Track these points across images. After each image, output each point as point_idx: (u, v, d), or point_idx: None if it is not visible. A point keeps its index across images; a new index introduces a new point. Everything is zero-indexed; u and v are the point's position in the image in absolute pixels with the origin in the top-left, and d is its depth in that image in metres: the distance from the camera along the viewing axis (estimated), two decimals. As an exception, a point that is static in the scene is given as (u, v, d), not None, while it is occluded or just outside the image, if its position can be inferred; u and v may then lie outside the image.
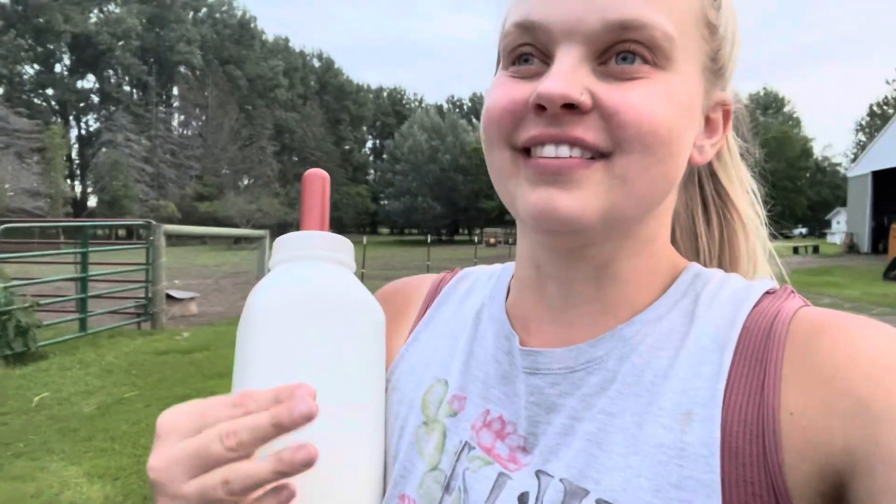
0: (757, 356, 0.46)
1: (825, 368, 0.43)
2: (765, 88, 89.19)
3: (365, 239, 11.84)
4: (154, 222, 9.29)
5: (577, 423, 0.49)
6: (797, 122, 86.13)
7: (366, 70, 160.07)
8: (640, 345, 0.50)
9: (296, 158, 66.67)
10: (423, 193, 59.13)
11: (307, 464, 0.41)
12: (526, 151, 0.47)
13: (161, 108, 61.24)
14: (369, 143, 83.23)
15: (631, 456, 0.46)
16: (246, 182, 59.04)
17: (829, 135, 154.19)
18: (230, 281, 14.61)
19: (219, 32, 66.82)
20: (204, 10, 67.39)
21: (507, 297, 0.60)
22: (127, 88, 63.78)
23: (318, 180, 0.55)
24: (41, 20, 53.69)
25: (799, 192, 67.14)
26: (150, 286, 8.94)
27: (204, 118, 59.70)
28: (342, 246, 0.53)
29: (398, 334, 0.65)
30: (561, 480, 0.48)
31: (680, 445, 0.44)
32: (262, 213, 48.43)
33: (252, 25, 69.59)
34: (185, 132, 61.47)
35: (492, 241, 37.40)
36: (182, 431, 0.43)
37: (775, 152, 67.97)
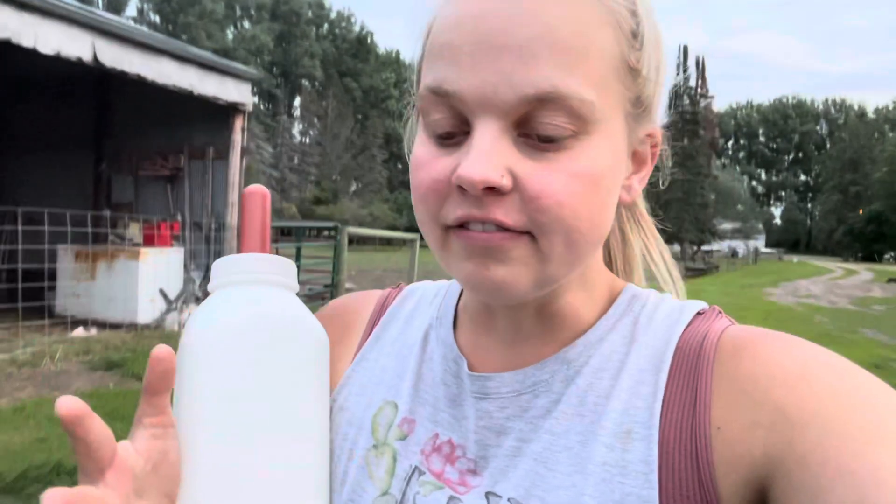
0: (689, 375, 0.47)
1: (746, 382, 0.44)
2: (894, 102, 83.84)
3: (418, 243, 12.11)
4: (340, 224, 11.57)
5: (525, 445, 0.49)
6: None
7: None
8: (584, 367, 0.51)
9: (401, 166, 70.13)
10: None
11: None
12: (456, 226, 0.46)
13: (285, 117, 66.80)
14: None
15: (575, 474, 0.46)
16: (354, 187, 63.06)
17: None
18: (386, 276, 16.78)
19: (338, 47, 70.61)
20: (326, 25, 72.72)
21: (454, 320, 0.59)
22: (257, 100, 70.39)
23: (257, 198, 0.52)
24: (185, 37, 59.96)
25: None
26: (335, 276, 11.23)
27: (322, 127, 64.26)
28: (283, 268, 0.50)
29: (344, 353, 0.63)
30: (509, 500, 0.48)
31: (622, 463, 0.45)
32: (373, 217, 51.62)
33: (368, 40, 74.08)
34: (304, 140, 66.50)
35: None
36: None
37: (902, 169, 64.10)
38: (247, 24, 66.04)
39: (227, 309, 0.47)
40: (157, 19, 59.33)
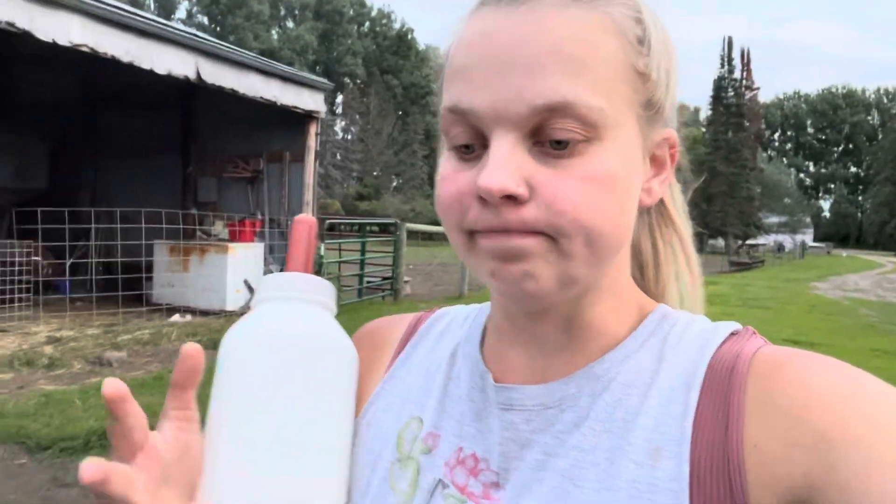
0: (721, 394, 0.46)
1: (785, 403, 0.44)
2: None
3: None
4: (399, 221, 12.40)
5: (550, 459, 0.49)
6: None
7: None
8: (611, 382, 0.51)
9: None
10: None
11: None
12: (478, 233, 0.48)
13: (328, 115, 67.90)
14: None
15: (603, 491, 0.46)
16: (395, 183, 64.20)
17: None
18: (435, 270, 17.63)
19: (379, 44, 71.88)
20: (367, 23, 73.96)
21: (482, 339, 0.60)
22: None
23: (305, 226, 0.56)
24: (233, 38, 61.92)
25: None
26: (395, 269, 12.07)
27: (364, 124, 65.62)
28: (322, 288, 0.53)
29: (375, 372, 0.64)
30: None
31: (651, 480, 0.45)
32: (415, 212, 52.34)
33: (409, 37, 75.12)
34: (346, 137, 67.99)
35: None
36: None
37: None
38: (290, 23, 67.71)
39: (263, 322, 0.49)
40: (206, 20, 61.35)
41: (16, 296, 6.97)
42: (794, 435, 0.43)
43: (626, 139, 0.48)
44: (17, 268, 7.35)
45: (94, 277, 8.39)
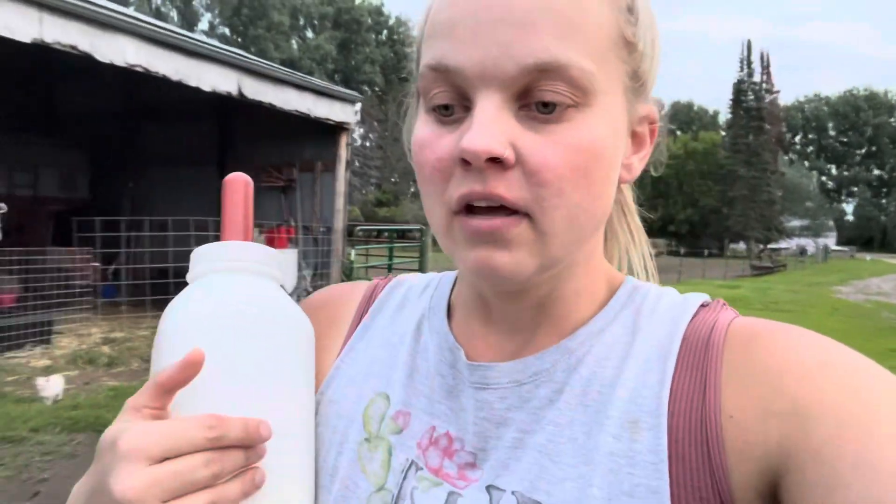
0: (697, 365, 0.46)
1: (760, 372, 0.44)
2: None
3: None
4: (424, 227, 12.84)
5: (528, 436, 0.48)
6: None
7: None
8: (586, 356, 0.50)
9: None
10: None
11: (260, 485, 0.44)
12: (461, 211, 0.46)
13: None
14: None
15: (582, 466, 0.46)
16: (412, 189, 64.70)
17: None
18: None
19: (396, 52, 73.06)
20: (385, 32, 74.75)
21: (447, 312, 0.58)
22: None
23: (239, 185, 0.51)
24: (254, 49, 62.95)
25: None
26: (421, 273, 12.49)
27: (382, 131, 66.28)
28: (266, 256, 0.50)
29: (332, 345, 0.61)
30: (513, 493, 0.47)
31: (629, 453, 0.45)
32: (415, 217, 53.20)
33: (427, 44, 75.72)
34: (365, 144, 68.78)
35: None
36: (151, 455, 0.40)
37: None
38: (310, 33, 68.72)
39: (202, 297, 0.47)
40: (228, 31, 62.52)
41: (74, 299, 7.44)
42: (768, 403, 0.43)
43: (613, 109, 0.46)
44: (76, 273, 7.85)
45: (142, 282, 8.87)
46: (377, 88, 67.74)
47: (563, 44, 0.43)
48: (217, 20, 63.95)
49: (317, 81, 10.05)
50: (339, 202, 10.24)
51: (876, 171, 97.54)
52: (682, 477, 0.43)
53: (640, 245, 0.64)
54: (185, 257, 0.53)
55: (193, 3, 63.58)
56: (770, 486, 0.42)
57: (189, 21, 60.48)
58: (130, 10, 6.48)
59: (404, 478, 0.52)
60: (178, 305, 0.47)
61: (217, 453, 0.42)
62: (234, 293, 0.47)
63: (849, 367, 0.43)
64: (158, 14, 54.38)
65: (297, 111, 9.09)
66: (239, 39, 60.83)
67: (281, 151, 10.68)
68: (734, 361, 0.46)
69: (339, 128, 10.07)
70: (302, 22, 68.97)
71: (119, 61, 6.66)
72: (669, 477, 0.43)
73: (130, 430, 0.41)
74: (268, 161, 10.87)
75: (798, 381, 0.43)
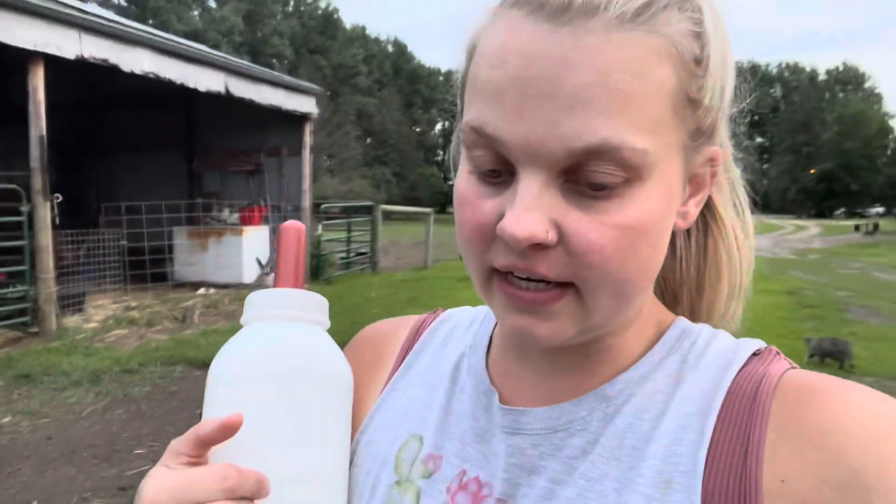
0: (741, 423, 0.44)
1: (814, 435, 0.41)
2: (844, 63, 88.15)
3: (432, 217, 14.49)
4: (375, 203, 14.48)
5: (558, 487, 0.47)
6: (878, 98, 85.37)
7: (429, 51, 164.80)
8: (624, 405, 0.48)
9: (370, 141, 72.31)
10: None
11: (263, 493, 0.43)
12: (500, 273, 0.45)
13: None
14: (438, 126, 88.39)
15: None
16: (327, 164, 65.23)
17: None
18: (406, 248, 19.68)
19: (305, 24, 72.41)
20: (291, 3, 73.79)
21: (488, 348, 0.57)
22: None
23: (293, 233, 0.53)
24: (156, 21, 60.53)
25: (877, 170, 67.44)
26: (373, 245, 14.18)
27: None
28: (314, 304, 0.52)
29: (376, 382, 0.62)
30: None
31: None
32: (354, 193, 53.81)
33: (335, 17, 75.49)
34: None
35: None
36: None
37: (851, 131, 68.31)
38: (213, 3, 66.90)
39: (249, 342, 0.49)
40: (125, 3, 59.91)
41: (106, 275, 8.71)
42: (825, 472, 0.40)
43: (668, 176, 0.43)
44: (106, 252, 9.05)
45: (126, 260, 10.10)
46: (286, 61, 67.13)
47: (615, 123, 0.39)
48: (112, -11, 61.02)
49: (286, 78, 11.46)
50: (306, 183, 11.76)
51: (759, 139, 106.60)
52: None
53: (742, 254, 0.57)
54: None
55: (87, -29, 60.37)
56: None
57: (81, -10, 57.52)
58: (144, 26, 7.48)
59: None
60: (229, 348, 0.50)
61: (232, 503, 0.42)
62: (273, 341, 0.49)
63: None
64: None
65: (271, 105, 10.52)
66: (135, 9, 58.50)
67: (248, 138, 12.02)
68: (785, 420, 0.42)
69: (303, 118, 11.53)
70: (203, -8, 66.98)
71: (137, 70, 7.93)
72: None
73: (152, 481, 0.44)
74: (235, 147, 12.17)
75: (857, 449, 0.39)
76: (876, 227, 33.36)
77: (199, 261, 10.99)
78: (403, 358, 0.62)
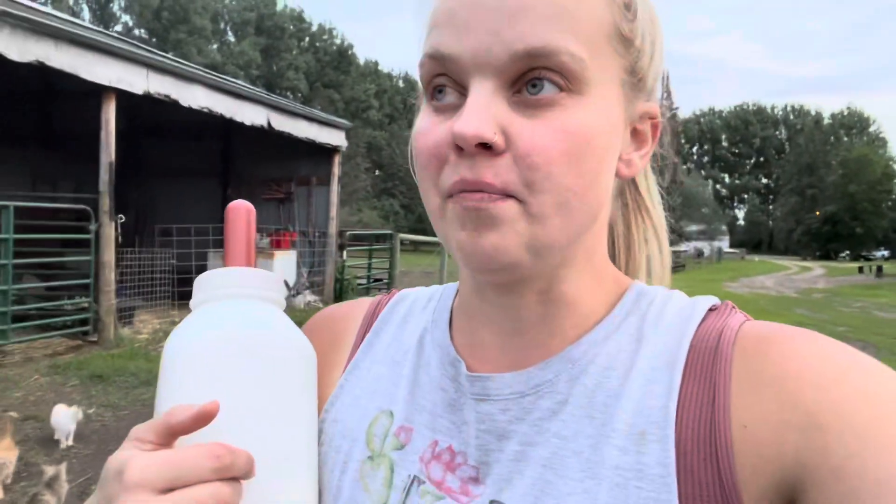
0: (705, 373, 0.45)
1: (774, 381, 0.42)
2: (848, 108, 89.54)
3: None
4: (393, 232, 15.21)
5: (530, 449, 0.48)
6: (883, 143, 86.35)
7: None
8: (589, 365, 0.49)
9: (379, 173, 73.56)
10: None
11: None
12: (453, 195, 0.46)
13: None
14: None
15: (588, 480, 0.45)
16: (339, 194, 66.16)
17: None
18: (420, 277, 20.47)
19: (319, 59, 74.39)
20: (307, 38, 75.90)
21: (450, 323, 0.58)
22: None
23: (242, 212, 0.53)
24: (176, 53, 62.28)
25: (881, 214, 68.09)
26: (391, 271, 14.87)
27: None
28: (267, 281, 0.51)
29: (335, 364, 0.62)
30: None
31: (637, 466, 0.44)
32: (363, 224, 54.79)
33: (350, 52, 77.57)
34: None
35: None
36: (157, 485, 0.41)
37: (855, 174, 69.14)
38: (230, 37, 68.99)
39: (208, 325, 0.48)
40: (145, 35, 61.86)
41: (157, 291, 9.39)
42: (784, 415, 0.41)
43: (607, 100, 0.47)
44: (153, 270, 9.75)
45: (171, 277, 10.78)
46: (301, 95, 68.78)
47: (554, 30, 0.43)
48: (133, 22, 63.12)
49: (319, 113, 12.30)
50: (333, 211, 12.50)
51: (763, 180, 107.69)
52: (690, 490, 0.42)
53: (663, 250, 0.63)
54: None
55: (112, 4, 62.48)
56: (786, 500, 0.41)
57: (104, 22, 59.47)
58: (199, 67, 8.23)
59: (406, 494, 0.52)
60: (181, 332, 0.48)
61: (222, 484, 0.42)
62: (234, 320, 0.48)
63: (867, 375, 0.41)
64: (72, 13, 53.35)
65: (307, 137, 11.33)
66: (156, 41, 60.39)
67: (279, 168, 12.81)
68: (745, 369, 0.44)
69: (333, 150, 12.34)
70: (223, 26, 69.08)
71: (194, 105, 8.73)
72: (678, 490, 0.42)
73: (136, 459, 0.42)
74: (267, 176, 12.96)
75: (814, 392, 0.41)
76: (880, 269, 33.83)
77: (231, 282, 11.68)
78: (363, 338, 0.63)
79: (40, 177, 12.52)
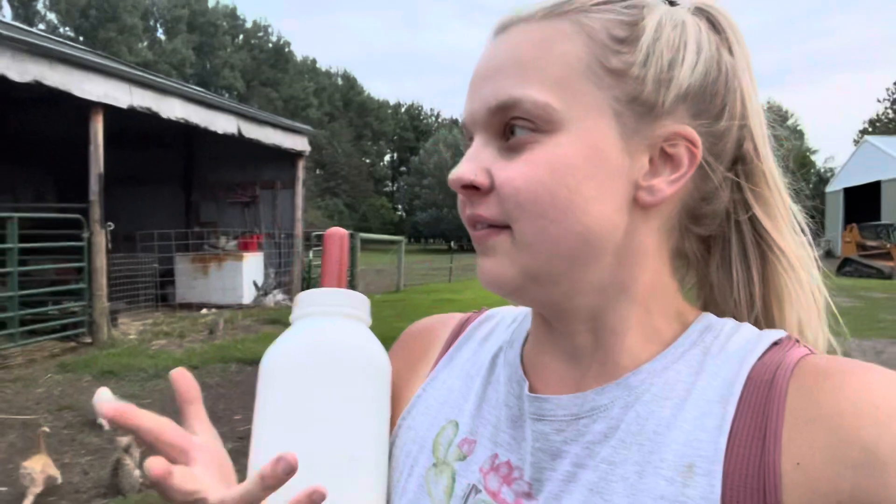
0: (759, 408, 0.45)
1: (830, 416, 0.42)
2: (769, 102, 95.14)
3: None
4: (354, 232, 15.88)
5: (580, 471, 0.49)
6: (800, 135, 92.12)
7: (377, 81, 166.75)
8: (645, 393, 0.50)
9: (320, 172, 73.30)
10: (448, 205, 65.27)
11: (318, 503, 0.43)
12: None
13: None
14: (387, 157, 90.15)
15: None
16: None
17: (835, 146, 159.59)
18: (367, 272, 21.03)
19: (255, 57, 73.32)
20: (241, 36, 74.75)
21: (524, 343, 0.61)
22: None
23: (336, 239, 0.59)
24: (107, 52, 60.07)
25: (799, 202, 73.08)
26: (352, 269, 15.57)
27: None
28: (356, 301, 0.57)
29: (420, 372, 0.66)
30: None
31: (681, 498, 0.44)
32: (308, 223, 54.72)
33: (287, 50, 76.81)
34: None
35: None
36: None
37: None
38: (160, 34, 67.31)
39: (299, 339, 0.55)
40: (71, 33, 59.73)
41: (140, 295, 9.86)
42: (840, 452, 0.41)
43: (589, 132, 0.49)
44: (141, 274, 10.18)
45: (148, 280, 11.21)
46: (237, 93, 67.89)
47: (517, 83, 0.49)
48: (58, 20, 60.88)
49: (285, 120, 12.92)
50: (298, 213, 13.13)
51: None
52: None
53: (817, 304, 0.56)
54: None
55: (35, 2, 60.05)
56: None
57: (27, 20, 57.11)
58: (175, 80, 8.71)
59: (465, 502, 0.54)
60: (279, 343, 0.55)
61: None
62: (325, 336, 0.55)
63: None
64: (-9, 11, 51.11)
65: (272, 144, 11.95)
66: (84, 40, 58.47)
67: (243, 172, 13.35)
68: (799, 403, 0.44)
69: (297, 154, 12.97)
70: (153, 23, 67.39)
71: (172, 116, 9.28)
72: None
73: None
74: (232, 180, 13.47)
75: (872, 428, 0.41)
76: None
77: (200, 284, 12.17)
78: (446, 351, 0.67)
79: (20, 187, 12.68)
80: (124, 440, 4.13)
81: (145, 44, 64.91)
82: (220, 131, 10.40)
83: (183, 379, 0.53)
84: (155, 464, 0.42)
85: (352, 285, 14.69)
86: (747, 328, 0.53)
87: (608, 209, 0.50)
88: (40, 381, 6.52)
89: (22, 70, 6.91)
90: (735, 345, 0.51)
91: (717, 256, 0.58)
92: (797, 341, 0.50)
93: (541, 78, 0.49)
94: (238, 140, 11.28)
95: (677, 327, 0.54)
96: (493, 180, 0.50)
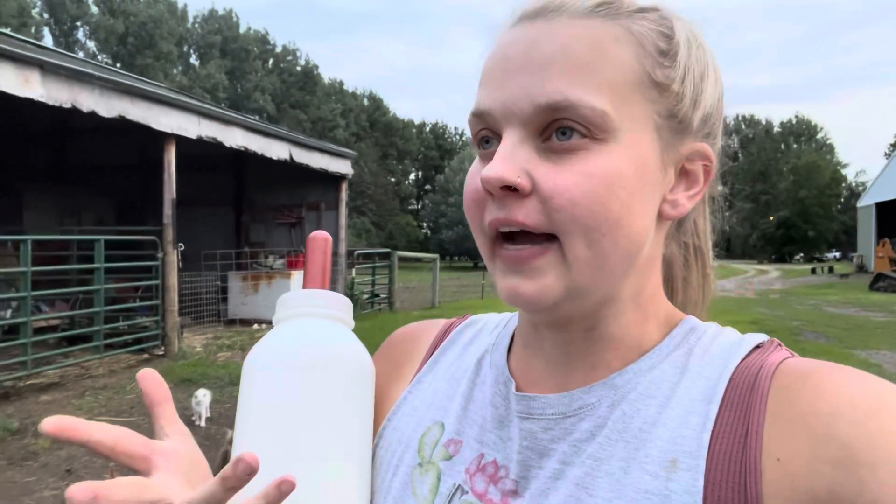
0: (742, 406, 0.46)
1: (808, 415, 0.43)
2: (797, 116, 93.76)
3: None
4: (392, 251, 16.59)
5: (567, 468, 0.50)
6: (830, 149, 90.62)
7: (402, 101, 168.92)
8: (630, 392, 0.51)
9: (350, 193, 74.45)
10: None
11: (287, 493, 0.41)
12: (499, 238, 0.50)
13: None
14: (412, 176, 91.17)
15: (615, 500, 0.47)
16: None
17: (866, 160, 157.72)
18: (415, 289, 21.27)
19: (284, 80, 75.22)
20: (272, 60, 76.77)
21: (509, 347, 0.61)
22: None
23: (320, 242, 0.60)
24: (140, 76, 61.93)
25: (830, 218, 71.44)
26: (390, 287, 16.23)
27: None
28: (338, 303, 0.56)
29: (405, 376, 0.67)
30: None
31: (665, 493, 0.45)
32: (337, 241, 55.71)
33: (315, 73, 78.62)
34: (257, 171, 69.94)
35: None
36: None
37: (805, 180, 72.53)
38: (195, 61, 69.49)
39: (282, 340, 0.54)
40: (109, 60, 61.99)
41: (204, 312, 10.55)
42: (818, 449, 0.42)
43: (637, 145, 0.48)
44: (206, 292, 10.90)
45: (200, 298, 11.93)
46: (266, 115, 69.52)
47: (574, 84, 0.46)
48: (96, 48, 63.24)
49: (330, 146, 13.70)
50: (342, 233, 13.82)
51: (719, 188, 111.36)
52: None
53: (706, 292, 0.64)
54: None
55: (77, 31, 62.56)
56: None
57: (68, 48, 59.46)
58: (238, 112, 9.45)
59: (449, 502, 0.55)
60: (262, 343, 0.55)
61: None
62: (308, 337, 0.54)
63: None
64: (37, 37, 53.34)
65: (320, 168, 12.68)
66: (121, 67, 60.65)
67: (290, 195, 14.10)
68: (780, 403, 0.45)
69: (341, 177, 13.69)
70: (187, 49, 69.60)
71: (234, 144, 10.03)
72: None
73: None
74: (279, 202, 14.23)
75: (849, 426, 0.42)
76: (831, 269, 36.19)
77: (251, 301, 12.86)
78: (430, 355, 0.67)
79: (66, 212, 13.56)
80: (230, 432, 4.69)
81: (180, 69, 67.04)
82: (274, 157, 11.13)
83: (150, 380, 0.52)
84: (75, 491, 0.40)
85: (390, 301, 15.37)
86: (730, 331, 0.55)
87: (648, 223, 0.51)
88: (128, 388, 7.17)
89: (109, 106, 7.66)
90: (718, 347, 0.52)
91: (692, 258, 0.63)
92: (779, 344, 0.52)
93: (597, 83, 0.47)
94: (286, 164, 12.02)
95: (665, 330, 0.55)
96: (536, 185, 0.48)
